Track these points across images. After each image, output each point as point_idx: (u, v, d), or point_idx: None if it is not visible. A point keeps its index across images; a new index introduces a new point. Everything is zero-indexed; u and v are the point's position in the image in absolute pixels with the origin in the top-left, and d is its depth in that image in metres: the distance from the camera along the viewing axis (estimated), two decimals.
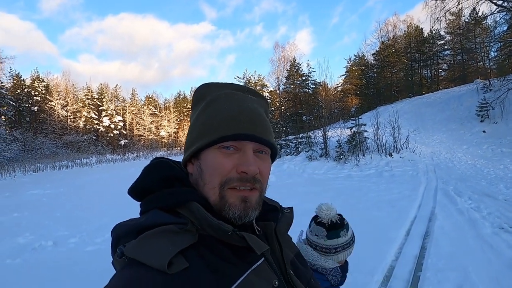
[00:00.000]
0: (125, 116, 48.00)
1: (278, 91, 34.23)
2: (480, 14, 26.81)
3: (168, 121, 55.41)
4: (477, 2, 17.56)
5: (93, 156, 30.84)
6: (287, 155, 15.63)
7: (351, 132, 13.63)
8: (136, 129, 49.49)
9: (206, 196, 0.54)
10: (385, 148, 12.57)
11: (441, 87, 34.25)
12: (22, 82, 36.35)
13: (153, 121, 52.57)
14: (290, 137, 18.26)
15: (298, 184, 9.14)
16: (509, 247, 3.44)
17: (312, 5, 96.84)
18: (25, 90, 35.81)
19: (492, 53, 28.65)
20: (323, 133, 14.02)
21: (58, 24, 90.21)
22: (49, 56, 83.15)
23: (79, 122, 39.87)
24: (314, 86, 31.98)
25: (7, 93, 30.33)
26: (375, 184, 8.09)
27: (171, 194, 0.53)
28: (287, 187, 8.47)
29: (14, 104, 32.25)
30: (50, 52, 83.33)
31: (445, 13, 19.90)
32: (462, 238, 3.84)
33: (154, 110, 54.18)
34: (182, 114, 56.69)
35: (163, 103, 59.57)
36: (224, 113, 0.55)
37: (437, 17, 19.87)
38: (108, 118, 42.59)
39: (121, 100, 50.49)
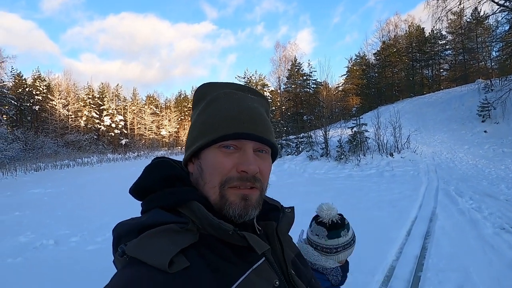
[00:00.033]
0: (126, 115, 48.06)
1: (279, 91, 34.20)
2: (481, 14, 26.76)
3: (169, 120, 55.46)
4: (478, 2, 17.52)
5: (94, 155, 30.92)
6: (288, 154, 15.63)
7: (352, 132, 13.61)
8: (137, 128, 49.55)
9: (206, 195, 0.54)
10: (386, 148, 12.55)
11: (442, 87, 34.17)
12: (24, 81, 36.45)
13: (154, 120, 52.63)
14: (291, 136, 18.25)
15: (298, 183, 9.14)
16: (510, 248, 3.43)
17: (313, 5, 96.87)
18: (27, 89, 35.90)
19: (493, 53, 28.53)
20: (324, 133, 14.01)
21: (60, 23, 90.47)
22: (50, 55, 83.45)
23: (80, 122, 39.95)
24: (315, 86, 31.95)
25: (8, 92, 30.40)
26: (376, 184, 8.08)
27: (172, 194, 0.53)
28: (288, 187, 8.47)
29: (15, 103, 32.34)
30: (51, 51, 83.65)
31: (446, 12, 19.84)
32: (463, 238, 3.83)
33: (155, 109, 54.24)
34: (183, 114, 56.75)
35: (164, 103, 59.66)
36: (224, 113, 0.55)
37: (439, 17, 19.81)
38: (109, 117, 42.66)
39: (122, 100, 50.56)
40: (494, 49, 26.90)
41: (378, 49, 36.79)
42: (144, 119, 50.74)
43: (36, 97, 36.01)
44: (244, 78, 37.97)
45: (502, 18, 19.94)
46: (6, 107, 28.49)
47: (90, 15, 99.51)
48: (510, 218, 4.47)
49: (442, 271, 2.95)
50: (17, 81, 35.62)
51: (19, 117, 35.12)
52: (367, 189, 7.52)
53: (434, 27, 26.08)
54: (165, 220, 0.49)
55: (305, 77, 32.17)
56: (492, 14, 18.25)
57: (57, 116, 37.49)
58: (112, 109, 44.60)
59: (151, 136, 50.88)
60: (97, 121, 41.58)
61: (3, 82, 29.20)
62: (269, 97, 30.95)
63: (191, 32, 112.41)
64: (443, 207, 5.38)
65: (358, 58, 42.17)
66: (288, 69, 32.82)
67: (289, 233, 0.66)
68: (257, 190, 0.54)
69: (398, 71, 36.28)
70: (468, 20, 31.13)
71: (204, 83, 0.63)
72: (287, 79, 33.07)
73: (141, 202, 0.57)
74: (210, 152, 0.54)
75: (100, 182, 12.34)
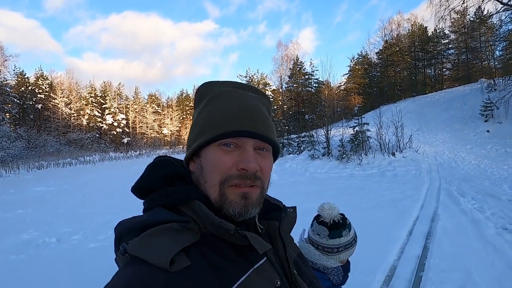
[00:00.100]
0: (128, 114, 48.17)
1: (280, 90, 34.11)
2: (485, 13, 26.54)
3: (171, 119, 55.55)
4: (482, 1, 17.37)
5: (96, 153, 31.01)
6: (289, 154, 15.62)
7: (353, 131, 13.58)
8: (139, 127, 49.66)
9: (207, 194, 0.54)
10: (388, 148, 12.52)
11: (445, 87, 34.00)
12: (26, 80, 36.59)
13: (155, 119, 52.73)
14: (293, 136, 18.24)
15: (300, 183, 9.14)
16: None
17: (316, 3, 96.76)
18: (29, 88, 36.04)
19: (497, 52, 28.41)
20: (325, 132, 13.99)
21: (62, 22, 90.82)
22: (53, 54, 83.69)
23: (82, 120, 40.07)
24: (317, 85, 31.84)
25: (11, 90, 30.51)
26: (378, 184, 8.06)
27: (174, 192, 0.53)
28: (289, 186, 8.47)
29: (18, 101, 32.46)
30: (54, 50, 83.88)
31: (449, 11, 19.67)
32: (465, 238, 3.82)
33: (157, 108, 54.32)
34: (184, 113, 56.81)
35: (165, 102, 59.74)
36: (224, 111, 0.55)
37: (442, 16, 19.65)
38: (111, 116, 42.76)
39: (124, 98, 50.66)
40: (498, 48, 26.79)
41: (381, 48, 36.64)
42: (146, 117, 50.85)
43: (38, 95, 36.15)
44: (246, 77, 37.92)
45: (505, 17, 19.80)
46: (9, 105, 28.61)
47: (92, 14, 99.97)
48: None
49: (444, 271, 2.94)
50: (19, 79, 35.75)
51: (21, 115, 35.27)
52: (368, 188, 7.50)
53: (437, 26, 26.03)
54: (167, 218, 0.49)
55: (307, 76, 32.08)
56: (495, 13, 18.10)
57: (59, 114, 37.62)
58: (114, 107, 44.69)
59: (153, 135, 50.98)
60: (99, 119, 41.69)
61: (6, 80, 29.33)
62: (270, 96, 30.92)
63: (193, 31, 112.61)
64: (445, 207, 5.36)
65: (360, 57, 42.02)
66: (290, 68, 32.73)
67: (290, 233, 0.66)
68: (258, 188, 0.54)
69: (400, 70, 36.13)
70: (472, 19, 30.93)
71: (205, 82, 0.63)
72: (289, 78, 32.98)
73: (143, 200, 0.57)
74: (210, 150, 0.54)
75: (102, 181, 12.38)
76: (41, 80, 37.42)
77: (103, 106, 42.94)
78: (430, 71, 37.85)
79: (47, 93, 36.91)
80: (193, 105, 0.67)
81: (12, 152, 22.24)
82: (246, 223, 0.55)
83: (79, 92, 43.35)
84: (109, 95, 45.39)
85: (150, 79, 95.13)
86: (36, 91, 36.28)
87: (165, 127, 54.26)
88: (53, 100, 37.25)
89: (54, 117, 36.98)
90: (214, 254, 0.48)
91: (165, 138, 53.57)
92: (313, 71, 31.66)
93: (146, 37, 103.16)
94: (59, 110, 37.63)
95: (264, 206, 0.58)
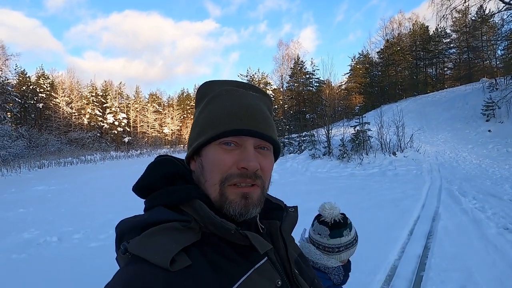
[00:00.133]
0: (129, 113, 48.23)
1: (281, 89, 34.07)
2: (487, 12, 26.45)
3: (172, 118, 55.59)
4: (484, 0, 17.33)
5: (97, 153, 31.06)
6: (290, 153, 15.62)
7: (354, 130, 13.57)
8: (139, 126, 49.72)
9: (207, 193, 0.54)
10: (389, 147, 12.50)
11: (446, 86, 33.88)
12: (28, 79, 36.65)
13: (156, 118, 52.78)
14: (293, 135, 18.23)
15: (301, 182, 9.14)
16: None
17: (317, 3, 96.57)
18: (30, 87, 36.11)
19: (499, 52, 28.32)
20: (326, 132, 13.98)
21: (63, 21, 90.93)
22: (54, 53, 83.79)
23: (83, 119, 40.14)
24: (317, 84, 31.82)
25: (12, 90, 30.58)
26: (379, 183, 8.06)
27: (175, 192, 0.53)
28: (290, 185, 8.47)
29: (19, 101, 32.52)
30: (55, 49, 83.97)
31: (451, 10, 19.63)
32: (466, 238, 3.81)
33: (157, 107, 54.37)
34: (185, 112, 56.83)
35: (166, 101, 59.76)
36: (225, 109, 0.55)
37: (443, 15, 19.61)
38: (112, 115, 42.82)
39: (125, 98, 50.71)
40: (499, 47, 26.70)
41: (382, 47, 36.55)
42: (147, 117, 50.90)
43: (40, 94, 36.22)
44: (246, 76, 37.91)
45: (507, 16, 19.71)
46: (11, 104, 28.68)
47: (93, 13, 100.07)
48: None
49: (445, 271, 2.94)
50: (21, 78, 35.82)
51: (23, 114, 35.35)
52: (369, 188, 7.49)
53: (438, 25, 25.87)
54: (168, 218, 0.49)
55: (308, 76, 32.06)
56: (497, 12, 18.05)
57: (60, 113, 37.71)
58: (115, 107, 44.74)
59: (153, 134, 51.04)
60: (100, 118, 41.76)
61: (7, 79, 29.39)
62: (271, 96, 30.78)
63: (194, 30, 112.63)
64: (446, 207, 5.36)
65: (361, 56, 41.94)
66: (291, 68, 32.71)
67: (292, 233, 0.66)
68: (258, 187, 0.53)
69: (401, 70, 36.04)
70: (473, 18, 30.83)
71: (206, 81, 0.63)
72: (289, 77, 32.96)
73: (144, 199, 0.57)
74: (211, 149, 0.54)
75: (103, 180, 12.41)
76: (42, 79, 37.48)
77: (104, 105, 43.00)
78: (431, 71, 37.74)
79: (48, 92, 36.98)
80: (193, 104, 0.67)
81: (14, 151, 22.30)
82: (247, 223, 0.54)
83: (80, 91, 43.44)
84: (110, 94, 45.44)
85: (151, 78, 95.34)
86: (37, 90, 36.34)
87: (166, 126, 54.30)
88: (54, 99, 37.33)
89: (55, 116, 37.07)
90: (215, 253, 0.48)
91: (166, 137, 53.64)
92: (314, 71, 31.67)
93: (147, 36, 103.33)
94: (60, 109, 37.72)
95: (265, 206, 0.58)
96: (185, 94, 60.77)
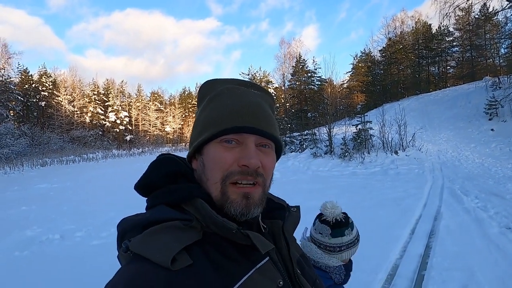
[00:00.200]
0: (130, 111, 48.33)
1: (283, 88, 34.06)
2: (490, 10, 26.30)
3: (173, 117, 55.65)
4: None
5: (99, 151, 31.19)
6: (291, 152, 15.61)
7: (356, 129, 13.53)
8: (141, 124, 49.82)
9: (209, 192, 0.53)
10: (390, 146, 12.46)
11: (449, 85, 33.73)
12: (30, 77, 36.77)
13: (158, 117, 52.86)
14: (295, 134, 18.21)
15: (302, 181, 9.13)
16: None
17: (319, 1, 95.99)
18: (33, 85, 36.23)
19: (502, 50, 28.13)
20: (328, 130, 13.95)
21: (66, 19, 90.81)
22: (56, 51, 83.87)
23: (85, 117, 40.27)
24: (319, 83, 31.72)
25: (15, 88, 30.72)
26: (380, 182, 8.04)
27: (176, 190, 0.53)
28: (292, 184, 8.47)
29: (22, 99, 32.68)
30: (57, 48, 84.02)
31: (454, 9, 19.53)
32: (468, 237, 3.80)
33: (159, 106, 54.43)
34: (187, 110, 56.87)
35: (168, 99, 59.80)
36: (226, 107, 0.55)
37: (446, 13, 19.50)
38: (114, 113, 42.92)
39: (127, 96, 50.81)
40: (503, 46, 26.53)
41: (384, 46, 36.42)
42: (149, 115, 50.98)
43: (42, 93, 36.35)
44: (248, 74, 37.83)
45: (511, 15, 19.57)
46: (13, 102, 28.84)
47: (95, 11, 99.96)
48: None
49: (446, 270, 2.93)
50: (23, 77, 35.94)
51: (25, 112, 35.50)
52: (371, 187, 7.48)
53: (441, 23, 25.77)
54: (169, 216, 0.49)
55: (309, 74, 31.95)
56: (501, 10, 17.94)
57: (62, 112, 37.85)
58: (117, 105, 44.85)
59: (155, 133, 51.13)
60: (102, 117, 41.88)
61: (10, 78, 29.51)
62: (273, 94, 30.66)
63: (195, 29, 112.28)
64: (448, 206, 5.34)
65: (363, 55, 41.81)
66: (293, 66, 32.65)
67: (294, 233, 0.66)
68: (260, 186, 0.53)
69: (404, 68, 35.89)
70: (476, 16, 30.64)
71: (207, 80, 0.63)
72: (291, 76, 32.90)
73: (146, 198, 0.57)
74: (212, 147, 0.54)
75: (105, 178, 12.45)
76: (44, 77, 37.60)
77: (106, 104, 43.11)
78: (434, 69, 37.56)
79: (50, 91, 37.10)
80: (195, 102, 0.67)
81: (16, 149, 22.42)
82: (249, 222, 0.54)
83: (82, 90, 43.56)
84: (112, 92, 45.54)
85: (153, 76, 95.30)
86: (40, 88, 36.46)
87: (167, 124, 54.38)
88: (57, 98, 37.46)
89: (58, 115, 37.21)
90: (217, 253, 0.48)
91: (168, 136, 53.73)
92: (316, 69, 31.53)
93: (148, 34, 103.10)
94: (63, 107, 37.85)
95: (268, 205, 0.58)
96: (186, 92, 60.79)
